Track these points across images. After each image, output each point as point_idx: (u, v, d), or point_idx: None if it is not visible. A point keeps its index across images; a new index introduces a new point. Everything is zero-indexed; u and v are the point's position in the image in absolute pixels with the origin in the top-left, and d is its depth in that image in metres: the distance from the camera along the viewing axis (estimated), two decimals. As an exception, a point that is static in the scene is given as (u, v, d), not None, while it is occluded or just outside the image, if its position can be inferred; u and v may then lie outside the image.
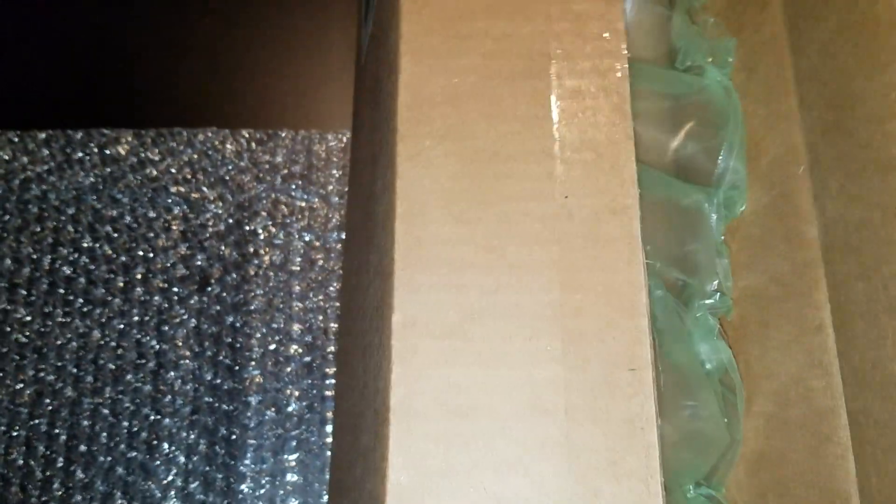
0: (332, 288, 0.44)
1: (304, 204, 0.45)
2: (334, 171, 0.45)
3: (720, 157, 0.32)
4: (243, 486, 0.40)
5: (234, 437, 0.41)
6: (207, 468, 0.40)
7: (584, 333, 0.28)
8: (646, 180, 0.29)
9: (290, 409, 0.42)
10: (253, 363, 0.42)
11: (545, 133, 0.30)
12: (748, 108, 0.33)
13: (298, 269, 0.44)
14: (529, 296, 0.28)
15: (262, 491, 0.40)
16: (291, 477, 0.40)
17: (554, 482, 0.26)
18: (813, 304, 0.29)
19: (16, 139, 0.46)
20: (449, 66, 0.31)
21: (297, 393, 0.42)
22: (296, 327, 0.43)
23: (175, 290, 0.43)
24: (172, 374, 0.42)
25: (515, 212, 0.29)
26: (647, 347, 0.27)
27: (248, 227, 0.45)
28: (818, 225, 0.30)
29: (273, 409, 0.42)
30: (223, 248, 0.44)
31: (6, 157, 0.46)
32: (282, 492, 0.40)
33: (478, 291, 0.28)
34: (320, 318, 0.43)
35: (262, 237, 0.45)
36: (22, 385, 0.42)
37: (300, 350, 0.42)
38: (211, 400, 0.42)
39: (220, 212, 0.45)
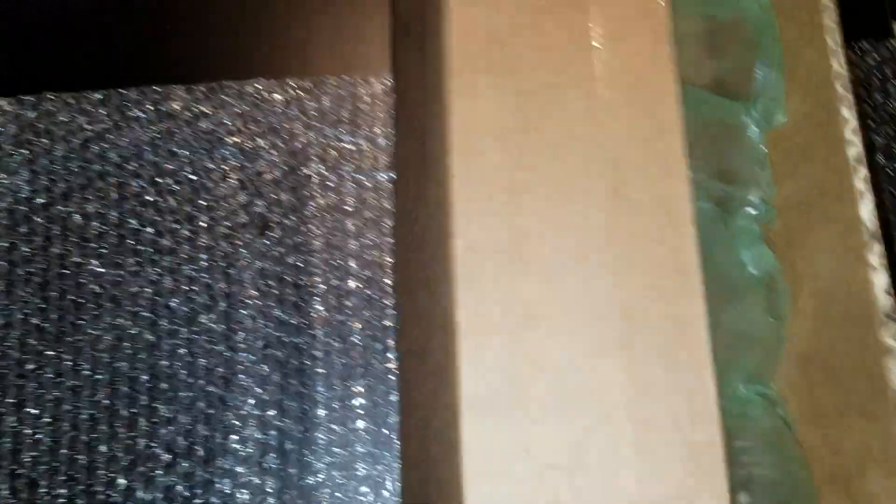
0: (384, 225, 0.46)
1: (353, 147, 0.47)
2: (379, 114, 0.47)
3: (757, 71, 0.33)
4: (317, 411, 0.43)
5: (304, 367, 0.44)
6: (282, 397, 0.43)
7: (634, 242, 0.30)
8: (687, 98, 0.30)
9: (353, 339, 0.44)
10: (317, 299, 0.45)
11: (588, 60, 0.32)
12: (783, 23, 0.34)
13: (352, 209, 0.46)
14: (581, 215, 0.30)
15: (335, 415, 0.43)
16: (359, 401, 0.43)
17: (614, 377, 0.28)
18: (855, 203, 0.31)
19: (72, 101, 0.48)
20: (492, 3, 0.32)
21: (359, 325, 0.44)
22: (353, 263, 0.45)
23: (238, 235, 0.46)
24: (243, 312, 0.44)
25: (563, 136, 0.31)
26: (693, 253, 0.29)
27: (301, 172, 0.47)
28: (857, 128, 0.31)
29: (338, 340, 0.44)
30: (280, 193, 0.46)
31: (65, 119, 0.48)
32: (351, 414, 0.43)
33: (532, 213, 0.30)
34: (375, 253, 0.45)
35: (315, 181, 0.47)
36: (101, 331, 0.45)
37: (359, 284, 0.45)
38: (280, 334, 0.44)
39: (274, 159, 0.47)
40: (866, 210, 0.31)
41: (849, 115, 0.32)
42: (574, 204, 0.30)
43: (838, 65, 0.32)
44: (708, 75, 0.34)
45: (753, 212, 0.34)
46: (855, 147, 0.32)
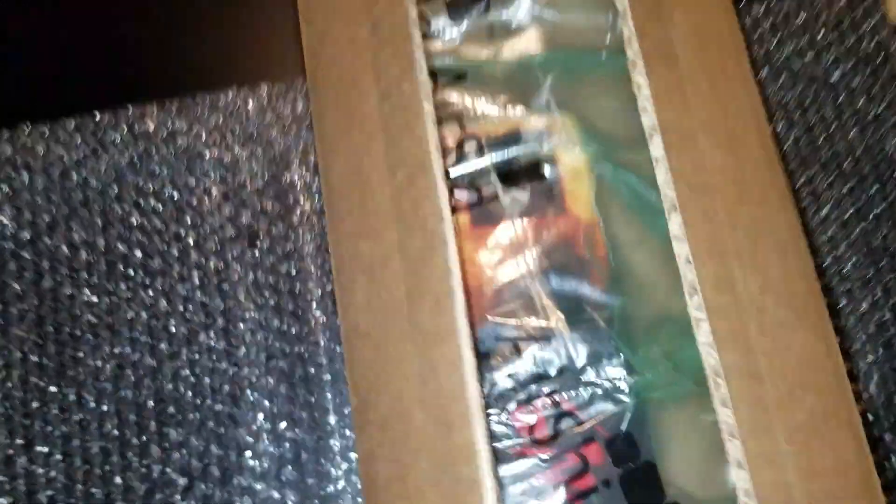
0: (375, 222, 0.45)
1: (333, 146, 0.46)
2: (357, 110, 0.46)
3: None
4: (328, 418, 0.43)
5: (310, 375, 0.43)
6: (291, 408, 0.43)
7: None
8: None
9: (356, 342, 0.44)
10: (314, 304, 0.44)
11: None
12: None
13: (340, 209, 0.45)
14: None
15: (347, 420, 0.42)
16: (370, 404, 0.43)
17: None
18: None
19: (47, 132, 0.48)
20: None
21: (360, 326, 0.44)
22: (348, 265, 0.45)
23: (228, 249, 0.45)
24: (241, 326, 0.44)
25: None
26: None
27: (284, 179, 0.46)
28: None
29: (341, 344, 0.44)
30: (265, 202, 0.46)
31: (41, 151, 0.47)
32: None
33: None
34: (369, 252, 0.45)
35: (298, 186, 0.46)
36: (101, 361, 0.44)
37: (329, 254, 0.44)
38: (282, 345, 0.44)
39: (255, 168, 0.46)
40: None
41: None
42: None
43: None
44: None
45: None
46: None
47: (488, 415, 0.24)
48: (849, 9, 0.49)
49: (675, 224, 0.24)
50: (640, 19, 0.25)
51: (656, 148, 0.24)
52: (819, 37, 0.49)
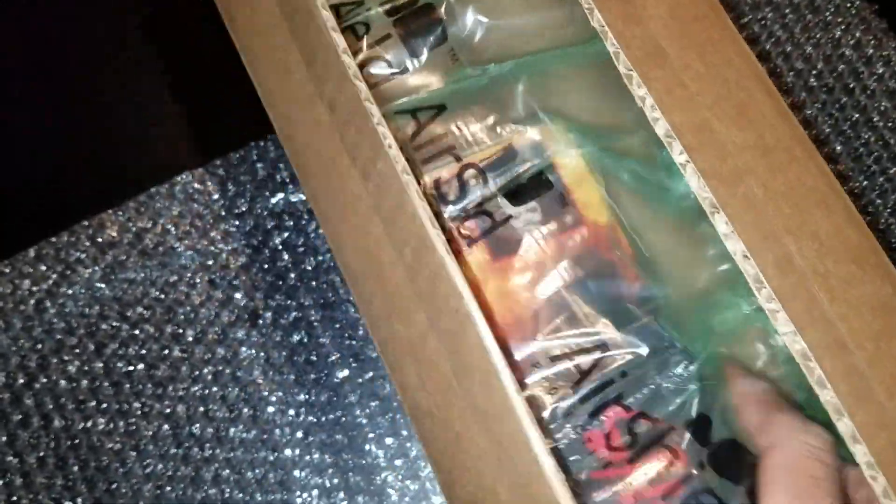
0: (370, 265, 0.43)
1: (305, 201, 0.44)
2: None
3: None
4: (383, 476, 0.41)
5: (353, 439, 0.42)
6: (344, 476, 0.41)
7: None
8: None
9: (386, 390, 0.42)
10: (336, 365, 0.43)
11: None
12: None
13: (333, 264, 0.43)
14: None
15: (402, 472, 0.41)
16: (418, 448, 0.41)
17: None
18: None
19: (7, 269, 0.45)
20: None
21: (386, 373, 0.42)
22: (356, 315, 0.43)
23: (231, 335, 0.43)
24: (270, 410, 0.42)
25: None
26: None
27: (267, 247, 0.44)
28: None
29: (374, 398, 0.42)
30: (254, 276, 0.44)
31: (8, 290, 0.45)
32: (416, 465, 0.41)
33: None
34: (373, 297, 0.43)
35: (282, 250, 0.44)
36: (138, 485, 0.42)
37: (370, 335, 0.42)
38: (315, 416, 0.42)
39: (234, 245, 0.44)
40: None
41: None
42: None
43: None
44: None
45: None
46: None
47: (566, 471, 0.23)
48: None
49: (721, 224, 0.23)
50: (619, 28, 0.24)
51: (678, 154, 0.23)
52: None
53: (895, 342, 0.22)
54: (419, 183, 0.24)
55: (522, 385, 0.27)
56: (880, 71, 0.47)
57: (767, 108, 0.24)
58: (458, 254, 0.28)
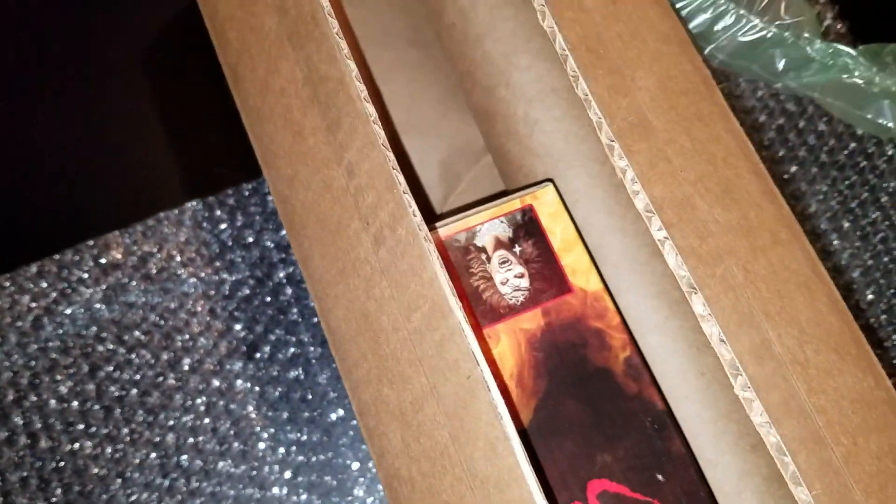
0: (373, 306, 0.43)
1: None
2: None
3: None
4: (372, 524, 0.41)
5: (342, 482, 0.41)
6: (330, 520, 0.41)
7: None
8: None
9: (381, 434, 0.42)
10: (331, 405, 0.42)
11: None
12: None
13: (335, 301, 0.43)
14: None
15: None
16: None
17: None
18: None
19: (7, 283, 0.45)
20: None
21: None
22: (355, 356, 0.43)
23: (227, 367, 0.43)
24: (261, 446, 0.42)
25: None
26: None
27: (271, 280, 0.44)
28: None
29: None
30: (255, 308, 0.43)
31: (6, 305, 0.45)
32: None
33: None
34: (374, 338, 0.43)
35: (285, 284, 0.44)
36: (119, 512, 0.42)
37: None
38: (305, 456, 0.41)
39: (238, 276, 0.44)
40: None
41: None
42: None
43: None
44: None
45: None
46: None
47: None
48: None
49: (698, 305, 0.22)
50: (604, 98, 0.24)
51: (657, 230, 0.23)
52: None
53: (873, 437, 0.21)
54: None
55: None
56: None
57: (754, 188, 0.24)
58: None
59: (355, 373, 0.25)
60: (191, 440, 0.42)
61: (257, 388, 0.43)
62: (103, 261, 0.45)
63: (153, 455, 0.42)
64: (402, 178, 0.22)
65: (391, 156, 0.22)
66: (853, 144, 0.48)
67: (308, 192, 0.26)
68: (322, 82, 0.24)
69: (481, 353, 0.20)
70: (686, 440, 0.28)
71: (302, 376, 0.43)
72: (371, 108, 0.23)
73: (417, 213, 0.22)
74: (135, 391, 0.43)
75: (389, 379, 0.23)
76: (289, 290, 0.44)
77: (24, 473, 0.42)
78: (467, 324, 0.21)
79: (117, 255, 0.45)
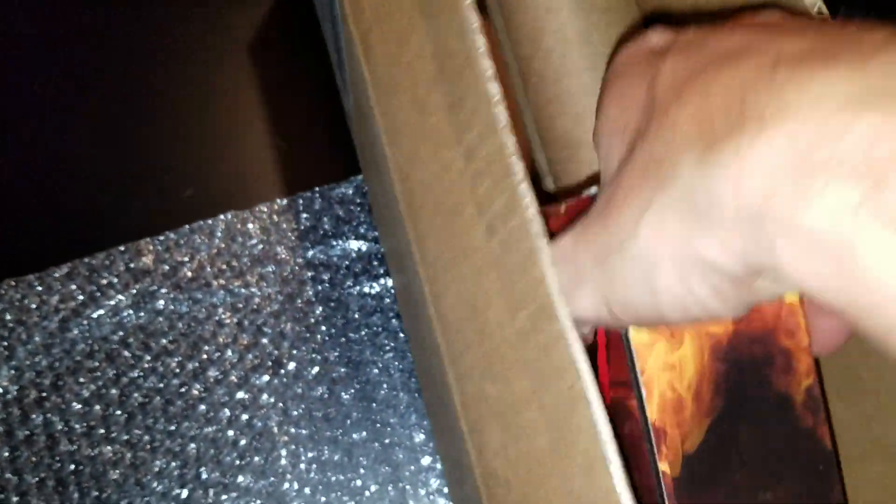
0: (400, 333, 0.43)
1: (342, 255, 0.44)
2: (361, 215, 0.45)
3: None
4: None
5: None
6: (347, 541, 0.41)
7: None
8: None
9: (400, 458, 0.42)
10: (353, 426, 0.42)
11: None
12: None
13: (363, 322, 0.43)
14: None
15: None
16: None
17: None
18: None
19: (36, 283, 0.45)
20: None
21: (400, 441, 0.42)
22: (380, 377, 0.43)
23: (252, 380, 0.43)
24: (281, 462, 0.42)
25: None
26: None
27: (301, 298, 0.44)
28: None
29: (386, 464, 0.42)
30: (283, 325, 0.44)
31: (34, 304, 0.45)
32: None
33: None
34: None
35: (315, 302, 0.44)
36: (135, 520, 0.42)
37: (391, 398, 0.42)
38: (327, 476, 0.42)
39: (267, 291, 0.44)
40: None
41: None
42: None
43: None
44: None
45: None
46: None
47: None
48: None
49: None
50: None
51: None
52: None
53: None
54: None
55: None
56: None
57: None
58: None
59: (459, 363, 0.25)
60: (212, 451, 0.42)
61: (281, 405, 0.43)
62: (134, 266, 0.45)
63: (173, 464, 0.42)
64: (520, 168, 0.21)
65: (511, 142, 0.21)
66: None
67: (426, 173, 0.25)
68: (449, 57, 0.23)
69: (586, 364, 0.19)
70: (845, 488, 0.26)
71: (326, 395, 0.43)
72: (496, 88, 0.21)
73: (532, 205, 0.20)
74: (158, 399, 0.43)
75: (493, 376, 0.23)
76: (318, 309, 0.44)
77: (42, 475, 0.42)
78: (574, 332, 0.20)
79: (148, 261, 0.45)
